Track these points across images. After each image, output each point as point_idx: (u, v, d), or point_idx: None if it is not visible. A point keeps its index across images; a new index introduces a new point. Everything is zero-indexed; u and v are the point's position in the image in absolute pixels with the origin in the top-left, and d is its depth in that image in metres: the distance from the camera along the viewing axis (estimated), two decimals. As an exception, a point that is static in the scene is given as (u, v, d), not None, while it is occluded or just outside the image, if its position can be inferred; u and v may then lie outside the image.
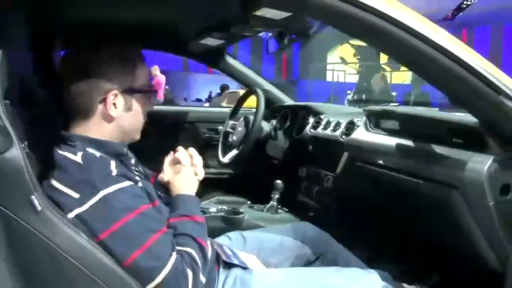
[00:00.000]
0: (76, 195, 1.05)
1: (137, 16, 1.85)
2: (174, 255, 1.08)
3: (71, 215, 1.05)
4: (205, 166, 1.91)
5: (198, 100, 13.74)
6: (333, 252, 1.63)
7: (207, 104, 12.05)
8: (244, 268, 1.38)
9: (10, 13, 1.14)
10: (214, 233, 1.55)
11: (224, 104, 8.71)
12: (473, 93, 1.21)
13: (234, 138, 2.40)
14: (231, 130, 2.47)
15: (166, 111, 3.08)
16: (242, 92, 3.11)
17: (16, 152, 0.95)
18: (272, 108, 2.80)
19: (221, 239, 1.59)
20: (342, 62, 14.77)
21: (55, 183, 1.08)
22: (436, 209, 1.49)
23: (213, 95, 13.09)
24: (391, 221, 1.86)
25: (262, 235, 1.66)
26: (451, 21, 11.92)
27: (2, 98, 0.97)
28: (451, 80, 1.21)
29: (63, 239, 1.00)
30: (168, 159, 1.39)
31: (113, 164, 1.14)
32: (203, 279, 1.14)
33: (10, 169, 0.94)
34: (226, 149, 2.46)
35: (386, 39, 1.16)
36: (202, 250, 1.16)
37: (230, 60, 2.73)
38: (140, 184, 1.18)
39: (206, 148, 2.89)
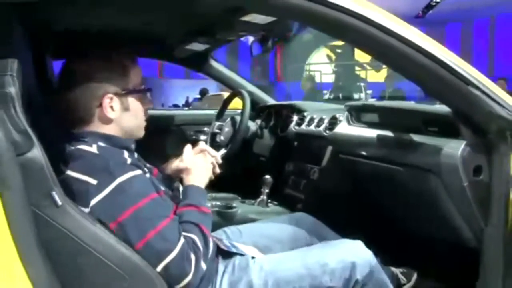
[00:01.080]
0: (94, 182, 1.15)
1: (123, 24, 1.89)
2: (181, 239, 1.17)
3: (91, 202, 1.14)
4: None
5: (175, 105, 13.62)
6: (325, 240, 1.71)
7: (186, 109, 11.95)
8: (242, 255, 1.45)
9: (15, 22, 1.21)
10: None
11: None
12: (444, 84, 1.32)
13: (222, 138, 2.47)
14: (218, 131, 2.54)
15: (152, 115, 3.13)
16: (225, 94, 3.18)
17: (37, 152, 1.02)
18: (257, 108, 2.88)
19: (218, 233, 1.66)
20: (317, 63, 14.89)
21: (73, 173, 1.17)
22: (416, 193, 1.61)
23: (190, 100, 13.01)
24: (375, 208, 1.95)
25: (258, 227, 1.74)
26: (422, 19, 12.19)
27: (20, 102, 1.05)
28: (423, 73, 1.33)
29: (82, 231, 1.08)
30: (190, 147, 1.49)
31: (126, 153, 1.24)
32: (203, 265, 1.21)
33: (33, 167, 1.01)
34: (215, 149, 2.53)
35: (362, 37, 1.28)
36: (205, 238, 1.25)
37: (214, 63, 2.80)
38: (147, 175, 1.28)
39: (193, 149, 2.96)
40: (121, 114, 1.28)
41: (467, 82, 1.31)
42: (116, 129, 1.29)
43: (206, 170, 1.44)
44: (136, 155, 1.39)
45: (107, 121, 1.27)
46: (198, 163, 1.43)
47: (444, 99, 1.42)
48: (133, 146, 1.34)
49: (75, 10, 1.52)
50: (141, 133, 1.36)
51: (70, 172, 1.18)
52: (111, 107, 1.25)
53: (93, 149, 1.21)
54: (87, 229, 1.09)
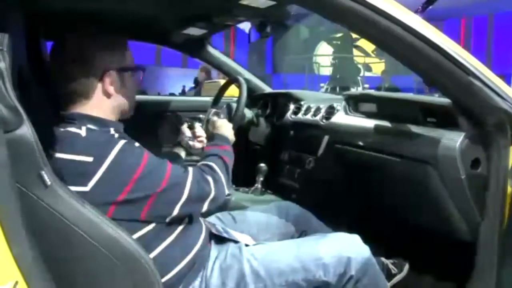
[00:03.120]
0: (90, 159, 1.14)
1: (119, 6, 1.88)
2: (190, 170, 1.30)
3: (92, 180, 1.13)
4: (189, 153, 1.97)
5: (172, 94, 13.59)
6: (315, 229, 1.70)
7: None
8: (235, 242, 1.45)
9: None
10: (203, 214, 1.62)
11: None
12: (444, 73, 1.30)
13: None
14: (214, 118, 2.52)
15: (148, 101, 3.12)
16: (222, 82, 3.16)
17: (27, 129, 0.99)
18: (253, 96, 2.86)
19: (212, 219, 1.66)
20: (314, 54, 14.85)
21: (64, 155, 1.15)
22: (413, 185, 1.59)
23: (186, 89, 12.96)
24: (370, 199, 1.95)
25: (250, 214, 1.74)
26: (421, 14, 12.16)
27: (10, 79, 1.01)
28: (424, 62, 1.30)
29: (71, 212, 1.05)
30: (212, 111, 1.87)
31: (112, 130, 1.25)
32: (224, 186, 1.37)
33: (22, 145, 0.98)
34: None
35: (364, 23, 1.26)
36: (225, 165, 1.43)
37: (211, 49, 2.78)
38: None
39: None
40: (118, 90, 1.30)
41: (468, 72, 1.29)
42: (112, 106, 1.30)
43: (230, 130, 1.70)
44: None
45: (107, 95, 1.28)
46: (218, 125, 1.72)
47: (443, 89, 1.40)
48: (122, 129, 1.33)
49: None
50: (132, 111, 1.39)
51: (60, 155, 1.16)
52: (111, 82, 1.27)
53: (82, 131, 1.20)
54: (76, 210, 1.06)
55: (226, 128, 1.68)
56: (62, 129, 1.21)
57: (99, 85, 1.27)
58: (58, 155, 1.16)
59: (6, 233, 0.88)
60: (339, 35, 13.44)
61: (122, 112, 1.34)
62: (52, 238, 1.06)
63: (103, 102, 1.28)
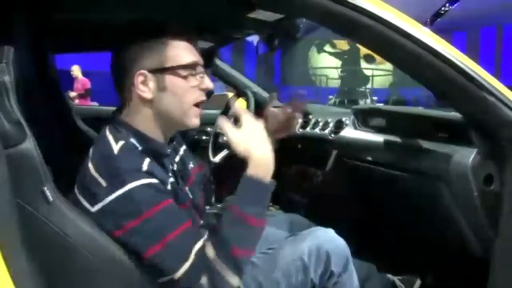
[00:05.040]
0: (104, 183, 1.07)
1: (124, 18, 1.86)
2: (196, 248, 1.08)
3: (98, 205, 1.07)
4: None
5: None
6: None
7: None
8: None
9: (16, 13, 1.18)
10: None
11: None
12: (456, 88, 1.27)
13: (225, 138, 2.43)
14: (221, 131, 2.51)
15: None
16: (230, 94, 3.15)
17: (30, 145, 0.98)
18: (261, 110, 2.84)
19: None
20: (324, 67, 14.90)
21: (90, 165, 1.10)
22: (423, 201, 1.56)
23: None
24: (379, 215, 1.91)
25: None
26: (430, 26, 12.16)
27: (15, 94, 1.00)
28: (436, 77, 1.27)
29: (73, 229, 1.03)
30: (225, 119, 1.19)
31: (146, 161, 1.11)
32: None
33: (25, 160, 0.97)
34: (217, 149, 2.50)
35: (377, 39, 1.23)
36: (232, 258, 1.09)
37: (219, 63, 2.77)
38: (168, 187, 1.14)
39: (195, 149, 2.93)
40: (157, 94, 1.14)
41: (481, 87, 1.25)
42: (154, 114, 1.16)
43: (267, 146, 1.18)
44: (178, 156, 1.30)
45: (143, 101, 1.15)
46: (253, 139, 1.17)
47: (456, 104, 1.37)
48: (168, 151, 1.22)
49: (77, 2, 1.49)
50: (187, 120, 1.18)
51: (89, 161, 1.11)
52: (145, 85, 1.14)
53: (117, 146, 1.10)
54: (80, 228, 1.04)
55: (259, 148, 1.16)
56: (106, 133, 1.14)
57: (132, 89, 1.15)
58: (87, 162, 1.11)
59: (4, 252, 0.86)
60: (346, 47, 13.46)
61: (171, 121, 1.18)
62: (53, 256, 1.04)
63: (143, 110, 1.16)
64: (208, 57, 2.69)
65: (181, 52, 1.16)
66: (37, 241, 1.00)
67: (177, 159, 1.30)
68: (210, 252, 1.09)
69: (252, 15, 1.58)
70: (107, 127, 1.17)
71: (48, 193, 1.00)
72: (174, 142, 1.32)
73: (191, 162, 1.39)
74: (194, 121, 1.19)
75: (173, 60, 1.15)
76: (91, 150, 1.14)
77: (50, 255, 1.03)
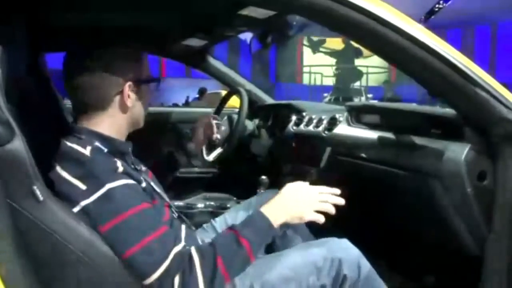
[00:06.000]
0: (83, 187, 1.09)
1: (119, 18, 1.86)
2: (170, 256, 1.10)
3: (77, 207, 1.09)
4: (189, 165, 1.94)
5: (175, 105, 13.64)
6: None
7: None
8: None
9: (13, 13, 1.17)
10: (196, 226, 1.60)
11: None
12: (450, 85, 1.27)
13: (218, 137, 2.42)
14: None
15: (149, 112, 3.09)
16: (224, 92, 3.14)
17: (19, 144, 0.97)
18: (255, 107, 2.83)
19: (207, 226, 1.66)
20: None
21: (64, 173, 1.12)
22: (417, 198, 1.55)
23: (190, 99, 12.99)
24: (373, 212, 1.90)
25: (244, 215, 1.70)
26: (424, 24, 12.19)
27: (3, 92, 0.99)
28: (430, 73, 1.27)
29: (64, 228, 1.03)
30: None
31: (119, 162, 1.17)
32: None
33: (13, 160, 0.96)
34: (211, 147, 2.49)
35: (371, 36, 1.22)
36: (212, 268, 1.12)
37: (212, 60, 2.76)
38: (143, 184, 1.22)
39: (189, 147, 2.92)
40: (134, 103, 1.27)
41: (474, 83, 1.25)
42: (126, 118, 1.27)
43: (299, 203, 1.27)
44: (132, 158, 1.34)
45: (123, 109, 1.25)
46: (293, 192, 1.30)
47: (449, 100, 1.36)
48: (129, 149, 1.31)
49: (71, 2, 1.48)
50: (142, 123, 1.35)
51: (60, 171, 1.13)
52: (129, 95, 1.24)
53: (86, 151, 1.15)
54: (70, 227, 1.04)
55: (290, 200, 1.28)
56: (68, 144, 1.17)
57: (117, 98, 1.24)
58: (58, 170, 1.13)
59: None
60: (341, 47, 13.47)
61: (134, 125, 1.32)
62: (44, 256, 1.03)
63: (117, 115, 1.25)
64: (200, 55, 2.69)
65: (147, 66, 1.32)
66: (27, 240, 0.99)
67: (132, 158, 1.36)
68: (196, 256, 1.13)
69: (244, 12, 1.57)
70: (65, 141, 1.18)
71: (38, 192, 1.00)
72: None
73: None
74: (143, 123, 1.35)
75: (146, 73, 1.30)
76: (57, 165, 1.14)
77: (41, 255, 1.02)
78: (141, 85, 1.28)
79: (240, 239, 1.16)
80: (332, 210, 1.28)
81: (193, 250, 1.14)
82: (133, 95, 1.26)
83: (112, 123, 1.25)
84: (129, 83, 1.23)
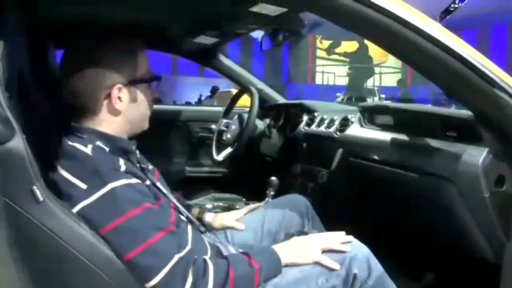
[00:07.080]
0: (84, 186, 1.06)
1: (129, 14, 1.84)
2: (176, 257, 1.08)
3: (78, 206, 1.05)
4: (199, 165, 1.90)
5: (188, 103, 13.68)
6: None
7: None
8: None
9: (11, 10, 1.14)
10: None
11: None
12: (467, 85, 1.22)
13: (228, 136, 2.39)
14: (225, 129, 2.47)
15: (159, 110, 3.08)
16: (235, 91, 3.11)
17: (18, 142, 0.94)
18: (266, 107, 2.80)
19: (220, 233, 1.61)
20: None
21: (64, 173, 1.09)
22: (432, 202, 1.51)
23: (203, 98, 13.01)
24: (386, 216, 1.87)
25: (258, 213, 1.70)
26: (439, 23, 12.05)
27: (4, 90, 0.96)
28: (446, 73, 1.22)
29: (65, 230, 1.00)
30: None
31: (121, 161, 1.14)
32: None
33: (13, 158, 0.93)
34: (220, 147, 2.46)
35: (386, 35, 1.17)
36: (223, 278, 1.12)
37: (223, 59, 2.73)
38: (147, 183, 1.19)
39: (199, 146, 2.90)
40: (128, 105, 1.20)
41: (494, 84, 1.20)
42: (122, 122, 1.21)
43: (306, 245, 1.29)
44: (138, 154, 1.31)
45: (114, 112, 1.19)
46: (302, 238, 1.34)
47: (466, 101, 1.31)
48: (134, 148, 1.26)
49: None
50: (146, 124, 1.29)
51: (60, 170, 1.10)
52: (119, 98, 1.18)
53: (88, 150, 1.12)
54: (70, 228, 1.01)
55: (306, 247, 1.29)
56: (70, 143, 1.14)
57: (105, 102, 1.18)
58: (59, 170, 1.10)
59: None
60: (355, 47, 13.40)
61: (134, 127, 1.26)
62: (43, 257, 1.00)
63: (110, 119, 1.20)
64: (211, 53, 2.66)
65: (145, 63, 1.24)
66: (26, 242, 0.97)
67: (138, 155, 1.33)
68: (210, 263, 1.14)
69: (255, 9, 1.53)
70: (66, 140, 1.15)
71: (38, 192, 0.97)
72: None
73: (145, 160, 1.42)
74: (147, 124, 1.29)
75: (144, 73, 1.23)
76: (58, 164, 1.11)
77: (40, 256, 1.00)
78: (135, 86, 1.21)
79: (252, 261, 1.19)
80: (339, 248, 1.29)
81: (207, 258, 1.16)
82: (125, 98, 1.19)
83: (109, 124, 1.20)
84: (118, 85, 1.17)
